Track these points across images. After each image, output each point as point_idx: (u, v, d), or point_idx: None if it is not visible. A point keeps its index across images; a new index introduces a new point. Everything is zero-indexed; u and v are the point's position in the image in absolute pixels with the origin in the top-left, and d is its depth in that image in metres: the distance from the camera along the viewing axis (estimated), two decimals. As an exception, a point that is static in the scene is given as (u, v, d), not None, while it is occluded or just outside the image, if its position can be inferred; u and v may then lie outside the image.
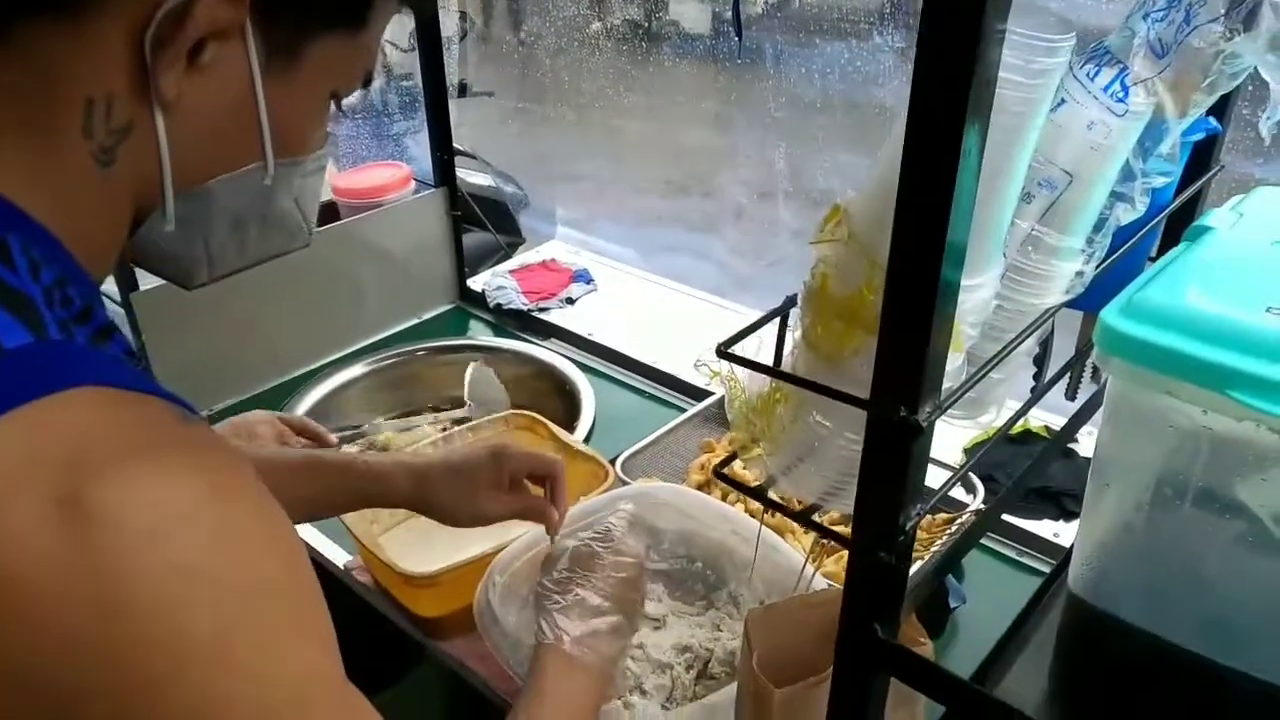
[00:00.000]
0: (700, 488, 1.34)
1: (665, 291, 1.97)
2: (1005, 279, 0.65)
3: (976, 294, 0.57)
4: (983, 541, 1.33)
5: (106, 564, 0.43)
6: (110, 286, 1.52)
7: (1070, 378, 0.97)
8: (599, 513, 1.17)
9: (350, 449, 1.47)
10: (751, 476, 0.75)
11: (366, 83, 0.64)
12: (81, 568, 0.43)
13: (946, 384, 0.58)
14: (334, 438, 1.29)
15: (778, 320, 0.69)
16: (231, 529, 0.48)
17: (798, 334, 0.65)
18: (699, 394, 1.61)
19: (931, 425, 0.57)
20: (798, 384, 0.60)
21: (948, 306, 0.53)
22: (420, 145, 2.62)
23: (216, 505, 0.47)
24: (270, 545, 0.50)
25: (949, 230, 0.50)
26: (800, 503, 0.68)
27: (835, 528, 0.67)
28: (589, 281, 1.98)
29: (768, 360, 0.69)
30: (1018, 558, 1.30)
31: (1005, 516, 1.34)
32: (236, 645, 0.46)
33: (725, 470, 0.70)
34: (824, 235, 0.59)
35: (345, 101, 0.64)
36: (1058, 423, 1.47)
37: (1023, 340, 0.66)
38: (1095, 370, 1.02)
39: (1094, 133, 0.61)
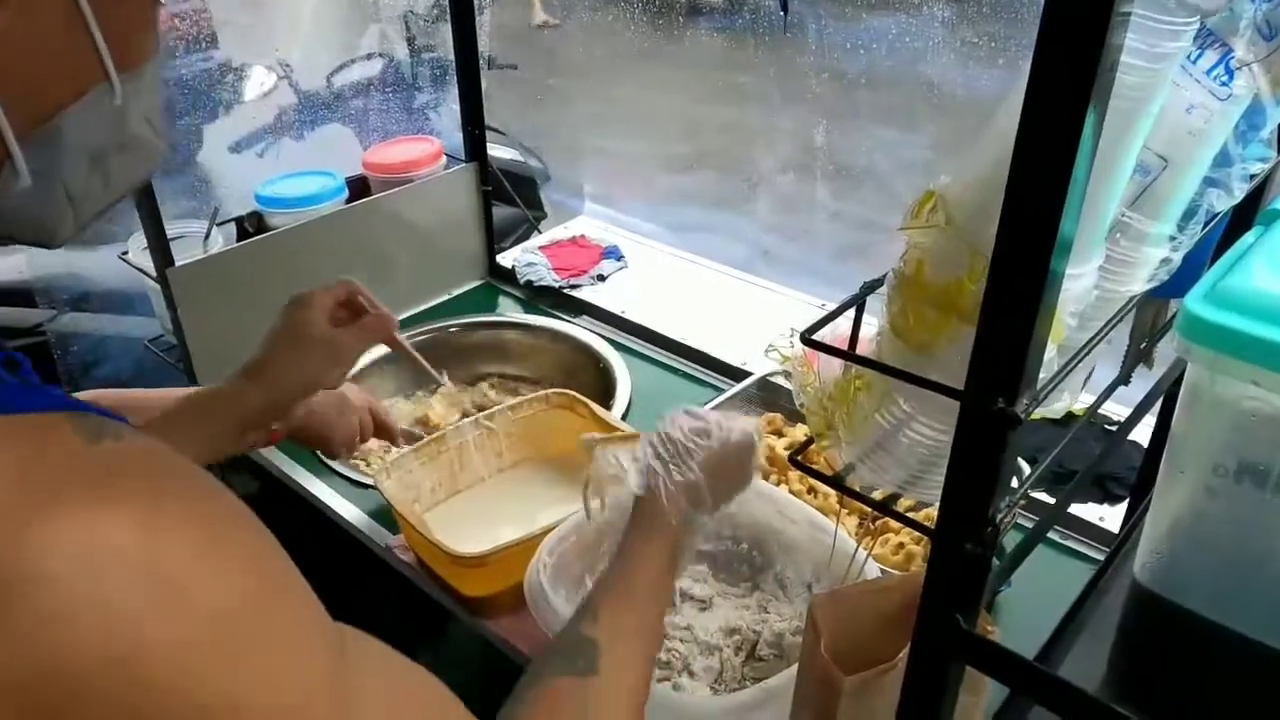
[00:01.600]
0: (741, 468, 1.33)
1: (698, 269, 1.95)
2: (1093, 266, 0.64)
3: (1079, 283, 0.56)
4: (1024, 524, 1.33)
5: (43, 634, 0.40)
6: (146, 262, 1.51)
7: (1126, 363, 0.96)
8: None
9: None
10: (823, 463, 0.74)
11: None
12: (16, 635, 0.40)
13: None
14: (397, 435, 1.27)
15: (853, 308, 0.68)
16: (165, 566, 0.44)
17: (880, 321, 0.64)
18: (734, 373, 1.60)
19: (1028, 416, 0.56)
20: (890, 373, 0.59)
21: (1053, 296, 0.52)
22: (444, 118, 2.60)
23: (145, 545, 0.44)
24: (219, 566, 0.46)
25: (1061, 219, 0.49)
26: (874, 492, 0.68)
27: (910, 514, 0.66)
28: (620, 258, 1.97)
29: (843, 347, 0.68)
30: (1062, 541, 1.29)
31: (1047, 498, 1.33)
32: (203, 687, 0.43)
33: (801, 457, 0.70)
34: (918, 221, 0.58)
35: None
36: (1090, 401, 1.46)
37: (1111, 328, 0.65)
38: (1149, 356, 1.00)
39: (1193, 116, 0.59)
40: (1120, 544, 1.22)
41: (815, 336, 0.65)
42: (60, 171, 0.53)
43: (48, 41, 0.50)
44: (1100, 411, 1.46)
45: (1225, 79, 0.57)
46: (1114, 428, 1.48)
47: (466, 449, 1.33)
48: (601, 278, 1.91)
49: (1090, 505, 1.32)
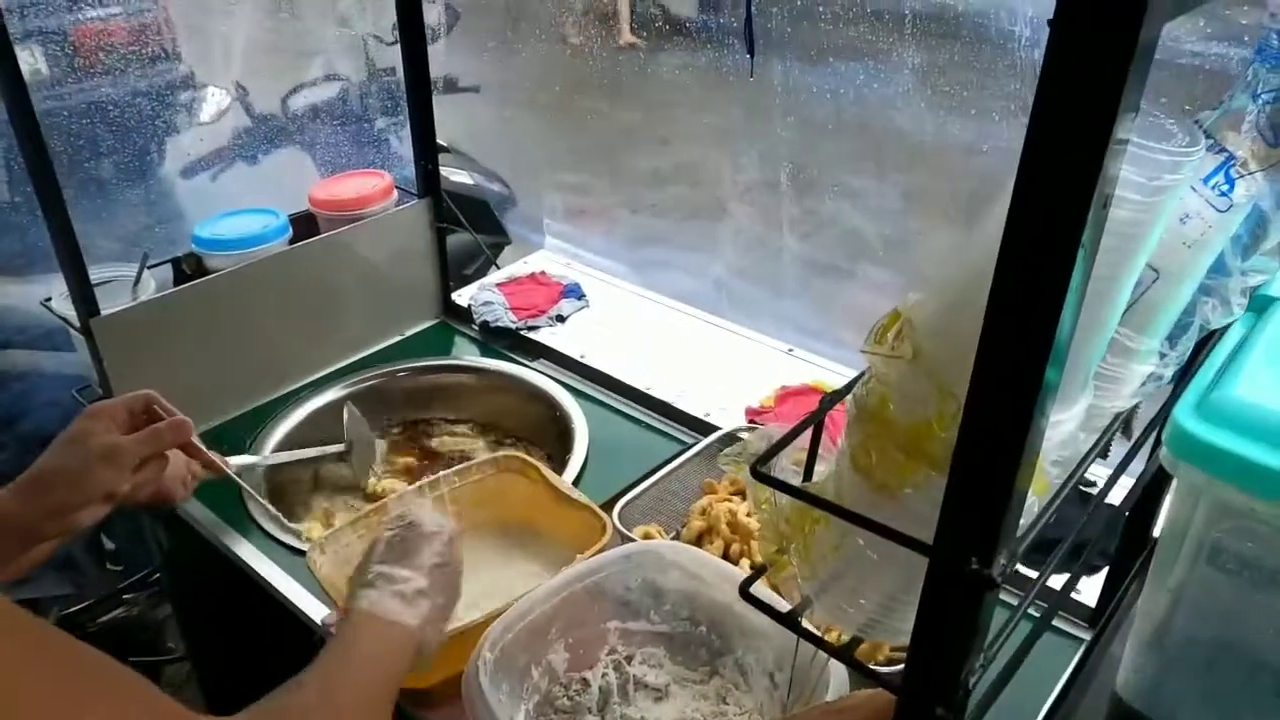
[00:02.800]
0: (701, 534, 1.26)
1: (661, 310, 1.87)
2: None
3: (1062, 429, 0.49)
4: (1003, 598, 1.27)
5: None
6: (69, 310, 1.41)
7: (1101, 437, 0.90)
8: (596, 573, 1.09)
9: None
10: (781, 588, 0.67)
11: None
12: None
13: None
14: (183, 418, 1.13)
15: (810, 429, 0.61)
16: None
17: (840, 446, 0.57)
18: (697, 425, 1.53)
19: (1005, 578, 0.49)
20: (849, 519, 0.52)
21: (1035, 448, 0.45)
22: (404, 142, 2.51)
23: None
24: None
25: (1046, 366, 0.42)
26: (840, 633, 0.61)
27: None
28: (580, 297, 1.89)
29: (798, 471, 0.61)
30: (1034, 612, 1.23)
31: (1022, 569, 1.27)
32: None
33: (751, 590, 0.62)
34: (882, 348, 0.51)
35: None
36: (1079, 476, 1.40)
37: (1096, 454, 0.59)
38: (1128, 427, 0.94)
39: (1189, 227, 0.53)
40: (1098, 635, 1.16)
41: (766, 464, 0.58)
42: None
43: None
44: (1092, 491, 1.39)
45: (1226, 189, 0.51)
46: (1089, 488, 1.42)
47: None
48: (561, 318, 1.83)
49: (1064, 573, 1.26)
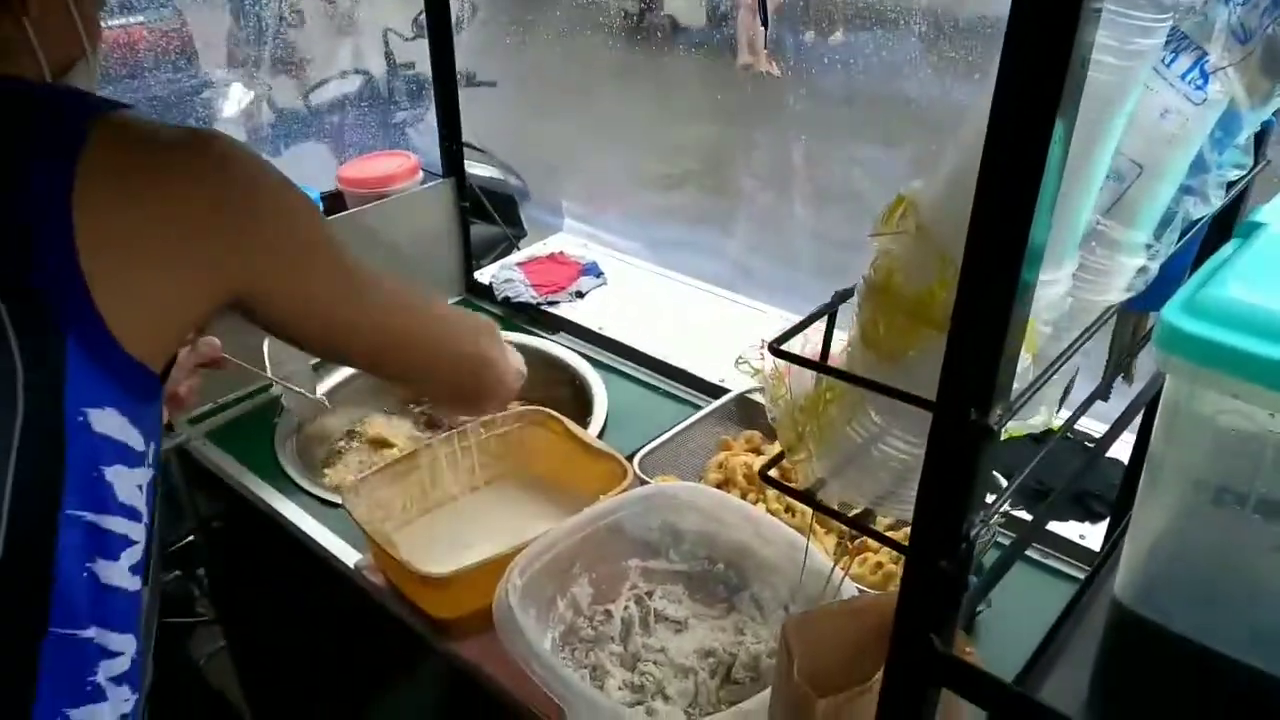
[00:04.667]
0: (718, 487, 1.31)
1: (676, 285, 1.93)
2: (1068, 275, 0.62)
3: (1051, 289, 0.54)
4: (1004, 542, 1.31)
5: None
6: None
7: (1105, 378, 0.95)
8: (616, 512, 1.14)
9: None
10: (798, 477, 0.72)
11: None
12: None
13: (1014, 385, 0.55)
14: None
15: (824, 318, 0.66)
16: None
17: (850, 331, 0.63)
18: (712, 390, 1.58)
19: (1001, 428, 0.54)
20: (860, 384, 0.57)
21: (1024, 305, 0.50)
22: (422, 135, 2.59)
23: None
24: None
25: (1031, 226, 0.47)
26: (850, 507, 0.65)
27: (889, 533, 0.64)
28: (598, 275, 1.95)
29: (813, 358, 0.66)
30: (1042, 560, 1.27)
31: (1028, 517, 1.31)
32: None
33: (770, 472, 0.67)
34: (888, 227, 0.56)
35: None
36: (1078, 419, 1.45)
37: (1087, 339, 0.64)
38: (1129, 371, 0.99)
39: (1168, 122, 0.58)
40: (1101, 563, 1.20)
41: (785, 347, 0.64)
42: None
43: (56, 30, 0.84)
44: (1082, 429, 1.45)
45: (1200, 83, 0.56)
46: (1090, 443, 1.47)
47: (438, 467, 1.31)
48: (580, 294, 1.89)
49: (1071, 524, 1.30)
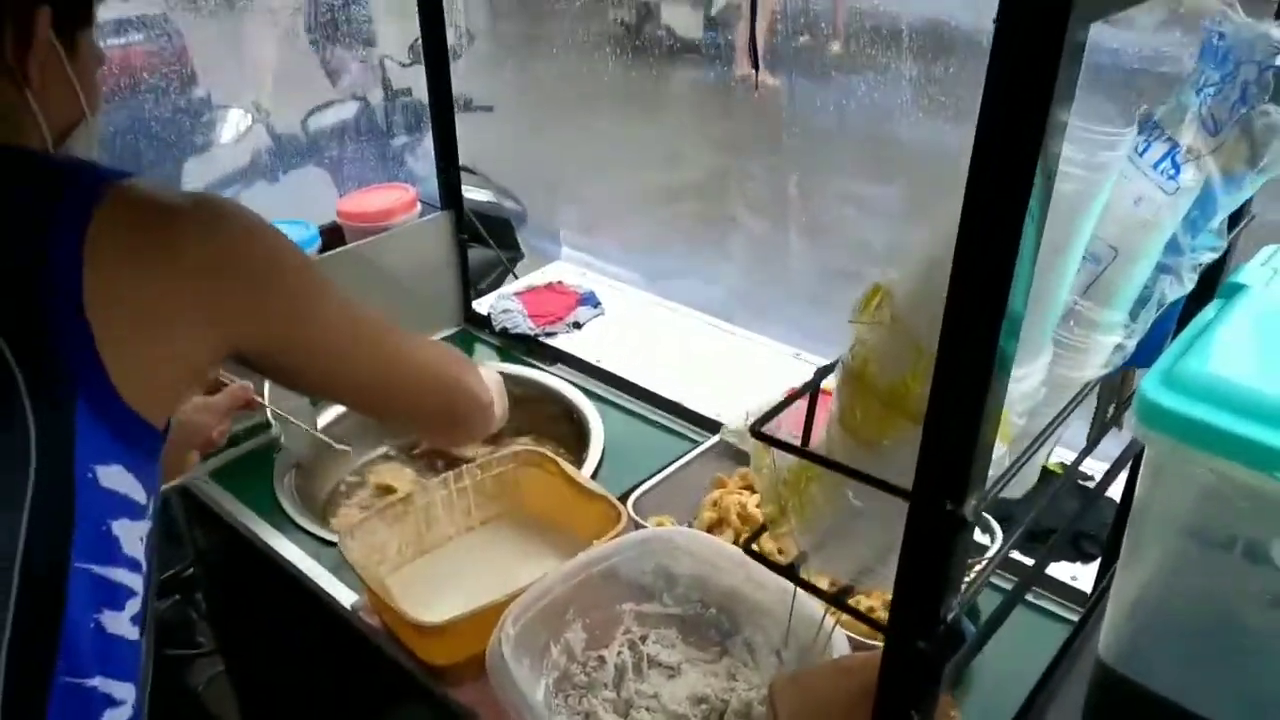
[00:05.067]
0: (713, 526, 1.32)
1: (674, 315, 1.94)
2: (1045, 354, 0.63)
3: (1024, 383, 0.55)
4: (996, 582, 1.31)
5: None
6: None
7: (1094, 419, 0.95)
8: (611, 557, 1.15)
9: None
10: (775, 549, 0.73)
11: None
12: None
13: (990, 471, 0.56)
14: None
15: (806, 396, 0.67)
16: None
17: (830, 410, 0.63)
18: (709, 424, 1.59)
19: (977, 518, 0.55)
20: (838, 470, 0.58)
21: (997, 399, 0.51)
22: (420, 161, 2.60)
23: None
24: None
25: (1002, 327, 0.48)
26: (833, 582, 0.66)
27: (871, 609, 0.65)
28: (596, 305, 1.96)
29: (797, 434, 0.67)
30: (1035, 600, 1.28)
31: (1019, 557, 1.32)
32: None
33: (754, 546, 0.68)
34: (864, 316, 0.57)
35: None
36: (1068, 457, 1.45)
37: (1064, 419, 0.64)
38: (1118, 418, 1.00)
39: (1141, 209, 0.59)
40: (1090, 610, 1.21)
41: (769, 424, 0.65)
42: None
43: (53, 93, 0.85)
44: (1085, 479, 1.44)
45: (1172, 173, 0.57)
46: (1087, 483, 1.47)
47: (433, 508, 1.32)
48: (577, 325, 1.90)
49: (1063, 564, 1.31)
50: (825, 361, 1.84)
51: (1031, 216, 0.46)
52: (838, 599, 0.64)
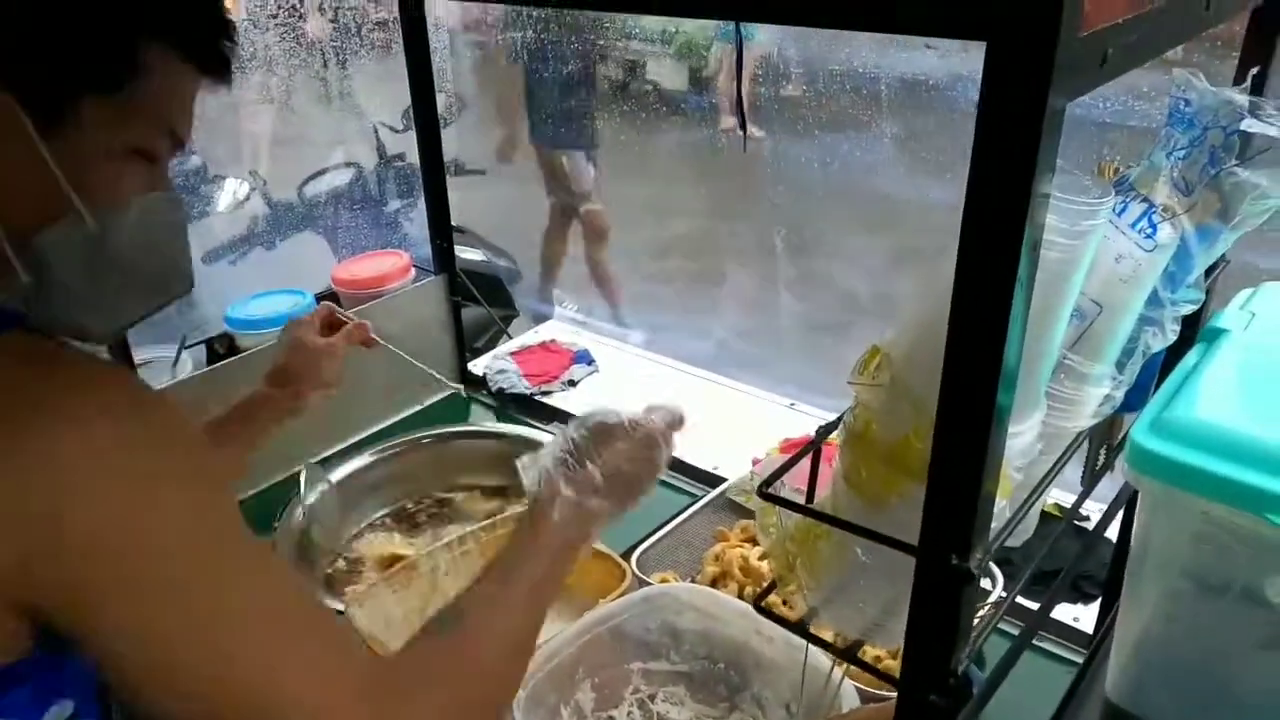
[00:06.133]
0: (715, 579, 1.33)
1: (668, 371, 1.97)
2: (1038, 406, 0.65)
3: (1021, 439, 0.57)
4: (1001, 627, 1.32)
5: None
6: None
7: (1086, 462, 0.98)
8: (617, 616, 1.16)
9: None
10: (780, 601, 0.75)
11: (177, 145, 0.73)
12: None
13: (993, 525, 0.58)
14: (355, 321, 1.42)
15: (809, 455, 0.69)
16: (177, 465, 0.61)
17: (835, 468, 0.65)
18: (707, 478, 1.60)
19: (982, 571, 0.56)
20: (846, 528, 0.60)
21: (997, 454, 0.53)
22: (415, 224, 2.64)
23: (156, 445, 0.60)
24: (217, 482, 0.64)
25: (998, 383, 0.51)
26: (841, 637, 0.68)
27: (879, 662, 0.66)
28: (590, 363, 1.98)
29: (801, 489, 0.69)
30: (1037, 643, 1.29)
31: (1022, 600, 1.33)
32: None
33: (765, 602, 0.70)
34: (864, 379, 0.59)
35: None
36: (1068, 500, 1.47)
37: (1060, 467, 0.67)
38: (1110, 461, 1.02)
39: (1122, 266, 0.62)
40: (1094, 651, 1.22)
41: (772, 485, 0.66)
42: (56, 276, 0.66)
43: (21, 173, 0.63)
44: (1068, 506, 1.47)
45: (1150, 232, 0.60)
46: (1082, 522, 1.49)
47: (439, 573, 1.32)
48: (572, 383, 1.92)
49: (1064, 606, 1.32)
50: (821, 411, 1.87)
51: (1020, 284, 0.48)
52: (848, 653, 0.65)
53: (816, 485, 0.67)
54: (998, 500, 0.57)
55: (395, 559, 1.50)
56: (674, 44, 5.41)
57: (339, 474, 1.69)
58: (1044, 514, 1.50)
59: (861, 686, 1.09)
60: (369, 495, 1.70)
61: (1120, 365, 0.66)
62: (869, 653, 1.16)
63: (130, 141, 0.68)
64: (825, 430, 0.68)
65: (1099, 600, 1.30)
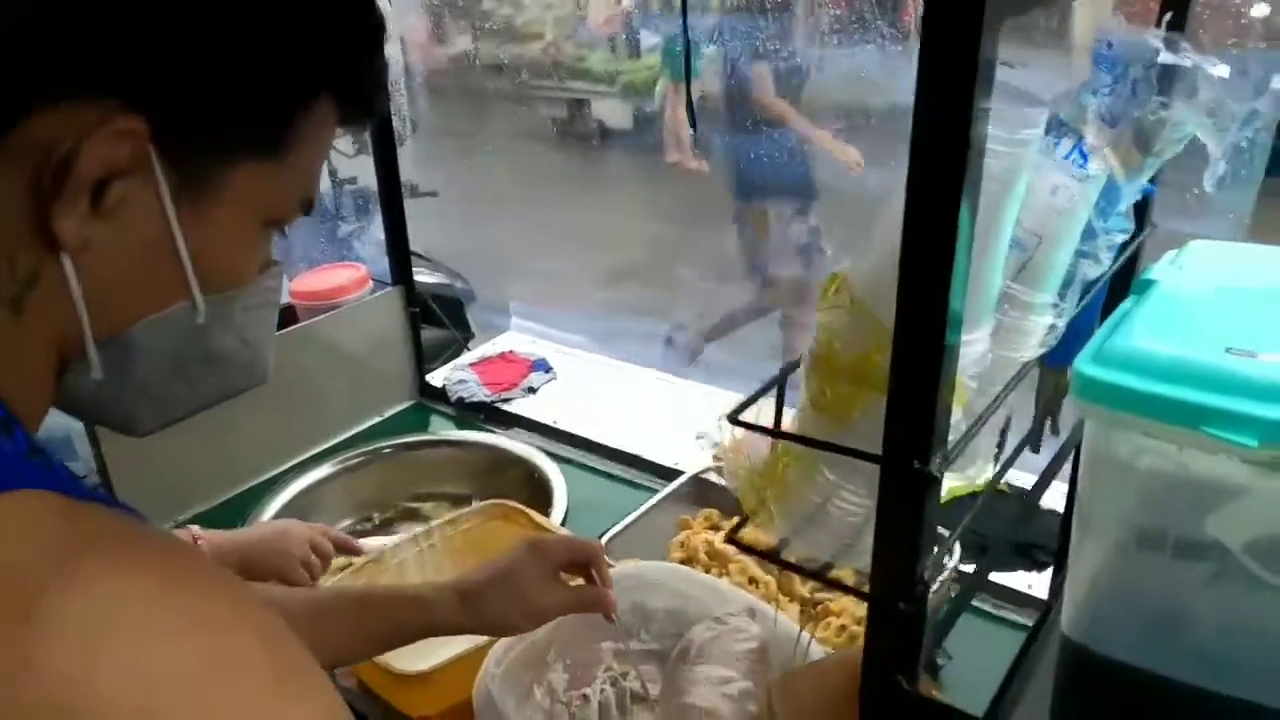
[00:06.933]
0: (682, 565, 1.35)
1: (625, 374, 2.00)
2: (988, 336, 0.70)
3: (974, 348, 0.61)
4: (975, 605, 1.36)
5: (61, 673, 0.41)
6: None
7: (1032, 431, 1.02)
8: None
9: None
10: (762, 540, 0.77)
11: (306, 209, 0.61)
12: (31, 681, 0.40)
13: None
14: (360, 544, 1.31)
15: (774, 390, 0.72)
16: (192, 614, 0.46)
17: (800, 399, 0.69)
18: (668, 473, 1.63)
19: (942, 475, 0.60)
20: (814, 446, 0.63)
21: (951, 363, 0.57)
22: (367, 247, 2.65)
23: (173, 595, 0.46)
24: (236, 620, 0.48)
25: (950, 291, 0.54)
26: (814, 563, 0.70)
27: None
28: (548, 370, 2.00)
29: (767, 427, 0.71)
30: (996, 611, 1.33)
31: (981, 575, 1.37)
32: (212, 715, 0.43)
33: (737, 536, 0.72)
34: (826, 302, 0.63)
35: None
36: (1018, 478, 1.52)
37: (1009, 391, 0.71)
38: (1054, 423, 1.07)
39: (1058, 197, 0.67)
40: (1049, 606, 1.26)
41: (741, 418, 0.69)
42: (137, 372, 0.56)
43: (138, 257, 0.52)
44: (1021, 485, 1.52)
45: (1081, 162, 0.65)
46: (1033, 497, 1.54)
47: (406, 567, 1.32)
48: (532, 390, 1.94)
49: (1019, 574, 1.37)
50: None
51: (968, 188, 0.52)
52: (819, 575, 0.68)
53: (783, 412, 0.70)
54: (955, 411, 0.61)
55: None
56: (617, 83, 5.53)
57: (300, 485, 1.68)
58: (996, 491, 1.55)
59: (830, 651, 1.11)
60: (333, 506, 1.70)
61: (1060, 295, 0.71)
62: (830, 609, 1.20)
63: (269, 213, 0.58)
64: (790, 366, 0.72)
65: (1051, 569, 1.35)
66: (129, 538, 0.48)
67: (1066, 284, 0.70)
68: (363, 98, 0.60)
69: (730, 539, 0.72)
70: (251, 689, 0.45)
